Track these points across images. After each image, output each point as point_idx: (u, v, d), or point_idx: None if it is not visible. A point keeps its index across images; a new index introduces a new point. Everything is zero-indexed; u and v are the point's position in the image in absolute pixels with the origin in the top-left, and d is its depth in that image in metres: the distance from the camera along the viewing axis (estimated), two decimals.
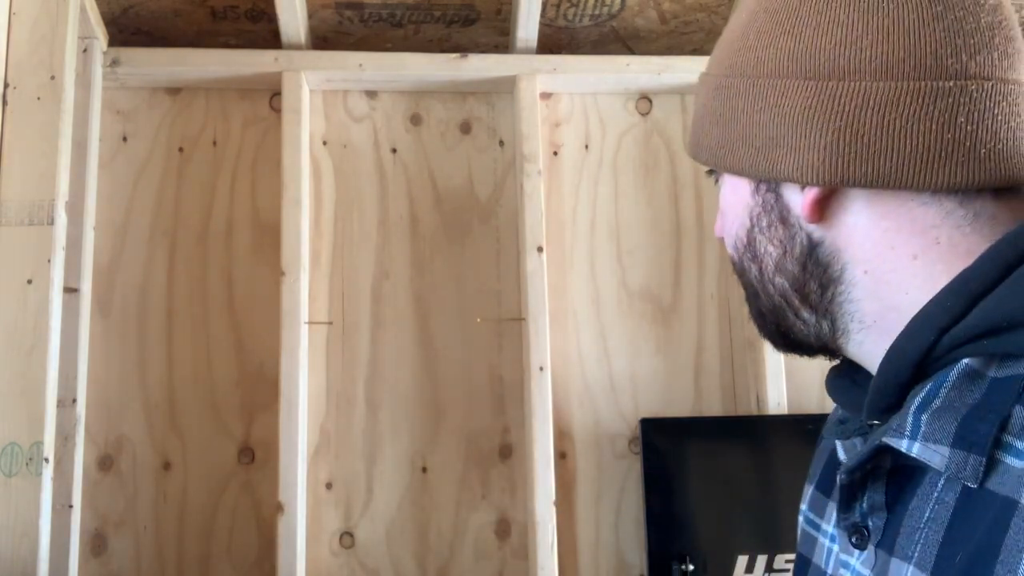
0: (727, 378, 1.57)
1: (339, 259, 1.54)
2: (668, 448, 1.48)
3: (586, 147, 1.62)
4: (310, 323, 1.47)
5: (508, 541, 1.47)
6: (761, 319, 0.58)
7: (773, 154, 0.51)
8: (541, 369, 1.45)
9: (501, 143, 1.60)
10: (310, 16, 1.54)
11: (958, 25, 0.48)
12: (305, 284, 1.46)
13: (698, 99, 0.60)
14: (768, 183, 0.53)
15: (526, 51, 1.58)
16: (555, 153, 1.61)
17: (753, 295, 0.57)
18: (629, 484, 1.50)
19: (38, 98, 1.27)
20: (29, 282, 1.22)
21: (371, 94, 1.60)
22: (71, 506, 1.34)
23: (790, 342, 0.57)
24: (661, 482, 1.46)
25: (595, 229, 1.59)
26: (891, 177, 0.48)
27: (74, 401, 1.35)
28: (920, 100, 0.47)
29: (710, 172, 0.60)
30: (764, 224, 0.54)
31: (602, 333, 1.55)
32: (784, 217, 0.53)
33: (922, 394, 0.45)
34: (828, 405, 1.60)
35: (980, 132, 0.47)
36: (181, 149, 1.55)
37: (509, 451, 1.50)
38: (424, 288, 1.54)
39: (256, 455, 1.46)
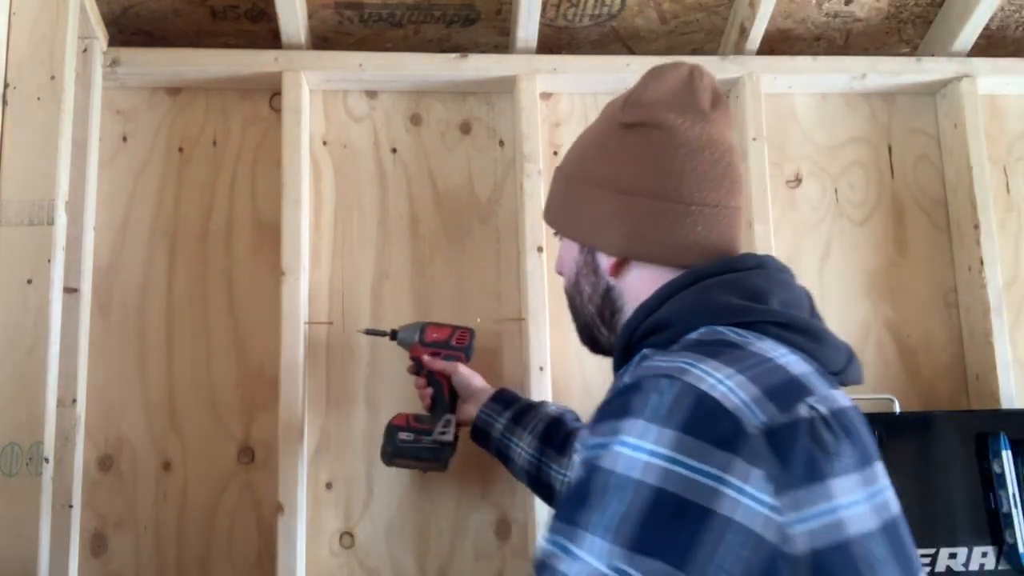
0: None
1: (339, 259, 1.54)
2: None
3: None
4: (310, 323, 1.47)
5: (508, 541, 1.47)
6: (581, 333, 0.95)
7: (592, 233, 0.89)
8: (541, 369, 1.45)
9: (501, 143, 1.60)
10: (310, 16, 1.54)
11: (702, 172, 0.84)
12: (305, 284, 1.46)
13: (553, 182, 0.97)
14: (589, 248, 0.90)
15: (526, 51, 1.58)
16: (555, 153, 1.61)
17: (576, 316, 0.95)
18: None
19: (38, 98, 1.27)
20: (29, 282, 1.22)
21: (371, 94, 1.60)
22: (71, 506, 1.34)
23: (597, 348, 0.94)
24: None
25: None
26: (656, 258, 0.85)
27: (74, 401, 1.35)
28: (676, 215, 0.83)
29: (556, 233, 0.96)
30: (584, 272, 0.91)
31: None
32: (595, 270, 0.90)
33: (624, 367, 0.84)
34: None
35: (711, 236, 0.84)
36: (181, 149, 1.55)
37: None
38: (424, 288, 1.54)
39: (256, 455, 1.46)
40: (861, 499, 0.64)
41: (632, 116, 0.87)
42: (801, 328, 0.75)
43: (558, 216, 0.94)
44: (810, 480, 0.62)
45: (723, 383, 0.65)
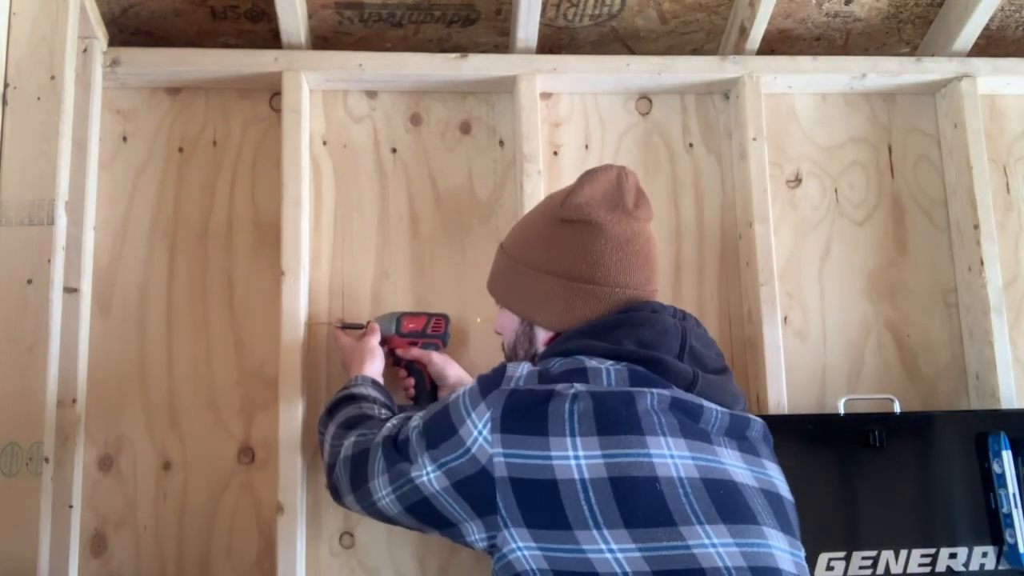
0: None
1: (339, 259, 1.54)
2: None
3: (586, 147, 1.62)
4: (310, 323, 1.47)
5: None
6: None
7: (532, 310, 1.07)
8: None
9: (501, 143, 1.60)
10: (310, 16, 1.54)
11: (626, 262, 1.02)
12: (305, 284, 1.46)
13: (497, 259, 1.17)
14: (528, 323, 1.09)
15: (526, 51, 1.58)
16: (555, 153, 1.61)
17: (509, 360, 1.10)
18: None
19: (38, 98, 1.27)
20: (29, 282, 1.22)
21: (371, 94, 1.60)
22: (71, 506, 1.34)
23: None
24: None
25: None
26: (583, 327, 1.01)
27: (74, 401, 1.35)
28: (603, 296, 1.02)
29: (498, 303, 1.16)
30: (522, 340, 1.10)
31: None
32: (531, 339, 1.09)
33: None
34: (828, 404, 1.61)
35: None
36: (181, 149, 1.55)
37: None
38: (424, 288, 1.54)
39: (256, 455, 1.46)
40: (584, 455, 0.86)
41: (569, 213, 1.04)
42: (636, 359, 0.95)
43: (501, 291, 1.14)
44: (529, 431, 0.88)
45: (521, 367, 0.95)
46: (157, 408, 1.46)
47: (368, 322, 1.43)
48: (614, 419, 0.88)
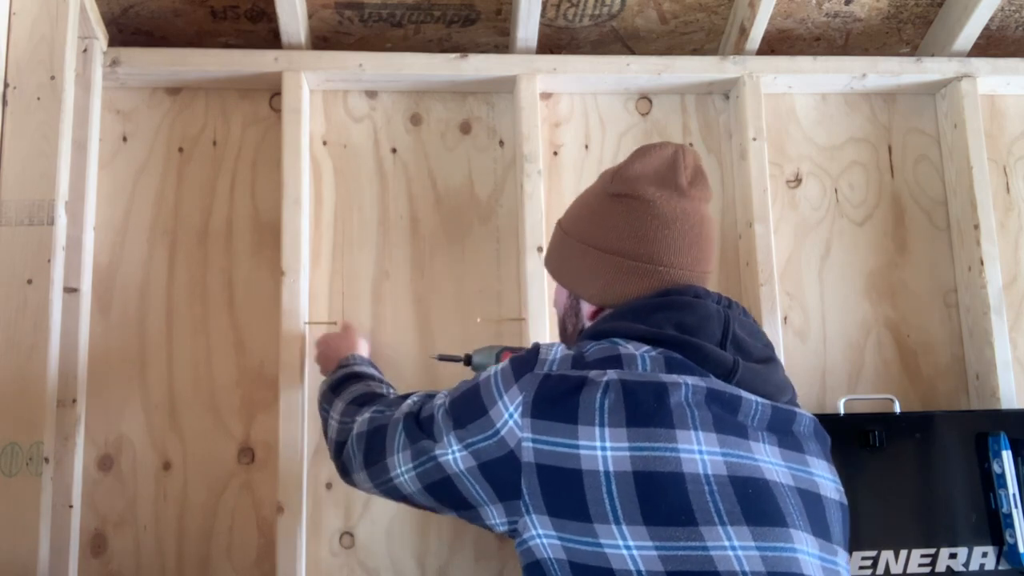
0: None
1: (339, 259, 1.54)
2: None
3: (586, 147, 1.62)
4: (310, 323, 1.47)
5: (508, 541, 1.47)
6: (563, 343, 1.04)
7: (576, 283, 1.05)
8: None
9: (501, 143, 1.60)
10: (310, 16, 1.54)
11: (672, 240, 0.99)
12: (305, 284, 1.46)
13: (554, 233, 1.13)
14: (575, 296, 1.07)
15: (526, 51, 1.58)
16: (555, 153, 1.61)
17: (561, 336, 1.12)
18: None
19: (38, 98, 1.27)
20: (29, 282, 1.22)
21: (371, 94, 1.60)
22: (71, 506, 1.34)
23: None
24: None
25: None
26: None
27: (74, 401, 1.35)
28: (645, 273, 0.99)
29: (552, 277, 1.13)
30: (569, 315, 1.09)
31: None
32: (577, 313, 1.07)
33: None
34: (828, 404, 1.61)
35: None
36: (181, 149, 1.55)
37: None
38: (424, 288, 1.54)
39: (256, 455, 1.46)
40: (611, 447, 0.84)
41: (618, 188, 1.02)
42: (674, 344, 0.93)
43: (554, 264, 1.11)
44: (560, 419, 0.86)
45: (555, 349, 0.93)
46: (157, 408, 1.46)
47: (467, 355, 1.35)
48: (644, 411, 0.86)
